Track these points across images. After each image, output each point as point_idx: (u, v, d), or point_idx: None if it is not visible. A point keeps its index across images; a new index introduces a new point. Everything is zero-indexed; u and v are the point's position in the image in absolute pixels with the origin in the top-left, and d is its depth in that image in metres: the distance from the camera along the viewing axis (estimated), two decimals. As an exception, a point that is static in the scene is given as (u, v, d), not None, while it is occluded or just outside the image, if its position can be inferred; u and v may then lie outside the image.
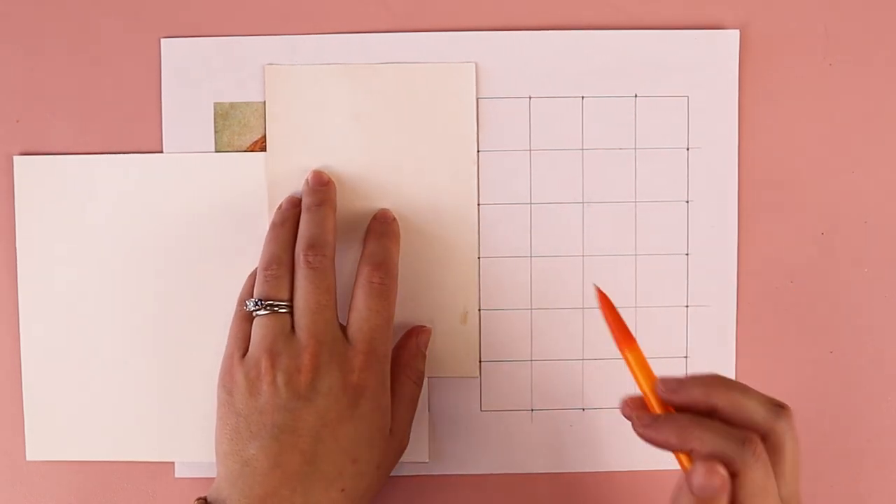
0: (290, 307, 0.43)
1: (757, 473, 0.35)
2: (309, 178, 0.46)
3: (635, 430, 0.38)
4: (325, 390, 0.41)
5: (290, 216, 0.46)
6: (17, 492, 0.48)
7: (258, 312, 0.43)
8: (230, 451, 0.41)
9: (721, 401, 0.37)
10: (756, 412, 0.37)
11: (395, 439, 0.44)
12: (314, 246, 0.43)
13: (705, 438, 0.36)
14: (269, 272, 0.43)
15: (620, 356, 0.48)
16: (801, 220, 0.49)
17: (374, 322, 0.43)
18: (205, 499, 0.41)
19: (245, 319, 0.44)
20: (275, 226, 0.45)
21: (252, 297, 0.44)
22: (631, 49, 0.48)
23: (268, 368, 0.41)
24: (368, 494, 0.43)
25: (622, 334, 0.40)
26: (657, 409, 0.39)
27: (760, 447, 0.36)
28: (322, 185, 0.46)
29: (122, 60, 0.48)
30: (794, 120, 0.49)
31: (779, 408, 0.37)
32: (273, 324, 0.42)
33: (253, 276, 0.45)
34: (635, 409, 0.39)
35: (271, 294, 0.43)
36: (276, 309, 0.42)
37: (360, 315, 0.43)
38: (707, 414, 0.37)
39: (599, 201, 0.48)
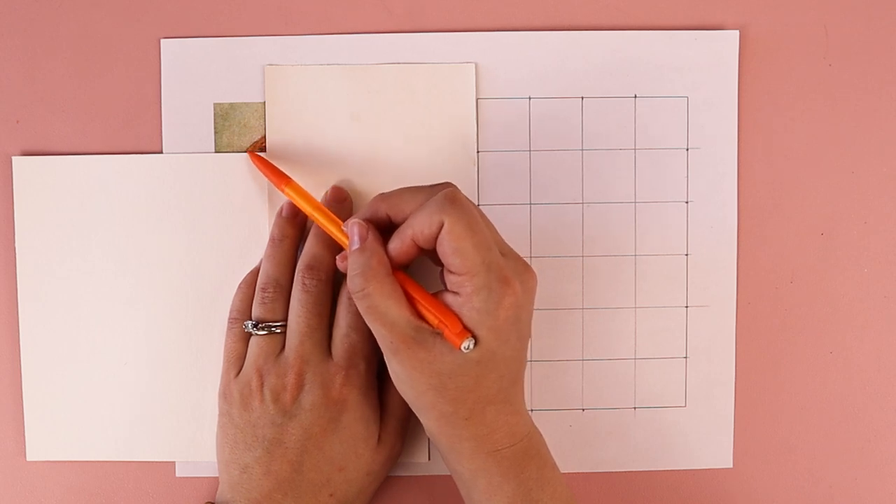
0: (286, 325, 0.45)
1: (454, 217, 0.39)
2: (328, 192, 0.47)
3: (356, 254, 0.41)
4: (308, 406, 0.43)
5: (289, 233, 0.46)
6: (17, 492, 0.48)
7: (256, 333, 0.45)
8: (231, 459, 0.44)
9: (388, 206, 0.42)
10: (420, 196, 0.41)
11: (385, 447, 0.45)
12: (312, 267, 0.45)
13: (403, 196, 0.41)
14: (266, 294, 0.45)
15: (618, 356, 0.48)
16: (801, 220, 0.49)
17: (353, 339, 0.44)
18: (212, 503, 0.44)
19: (240, 339, 0.46)
20: (273, 242, 0.46)
21: (242, 313, 0.46)
22: (631, 49, 0.48)
23: (258, 387, 0.44)
24: (361, 497, 0.45)
25: (278, 177, 0.45)
26: (329, 224, 0.44)
27: (449, 194, 0.40)
28: (338, 203, 0.46)
29: (122, 60, 0.48)
30: (794, 120, 0.49)
31: (439, 186, 0.41)
32: (266, 344, 0.44)
33: (242, 289, 0.47)
34: (343, 260, 0.43)
35: (268, 317, 0.45)
36: (272, 329, 0.45)
37: (340, 332, 0.45)
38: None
39: (599, 201, 0.48)
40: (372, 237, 0.41)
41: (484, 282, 0.39)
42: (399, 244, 0.40)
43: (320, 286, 0.45)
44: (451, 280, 0.39)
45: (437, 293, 0.41)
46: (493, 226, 0.41)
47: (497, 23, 0.48)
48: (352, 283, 0.40)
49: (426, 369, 0.40)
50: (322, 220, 0.44)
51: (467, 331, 0.39)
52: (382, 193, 0.42)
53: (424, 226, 0.39)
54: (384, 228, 0.42)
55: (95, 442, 0.48)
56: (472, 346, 0.39)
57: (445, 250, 0.39)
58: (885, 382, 0.50)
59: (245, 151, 0.48)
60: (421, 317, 0.40)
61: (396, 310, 0.40)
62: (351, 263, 0.41)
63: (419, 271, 0.45)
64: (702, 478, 0.49)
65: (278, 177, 0.46)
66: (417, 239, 0.40)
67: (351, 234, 0.41)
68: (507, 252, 0.41)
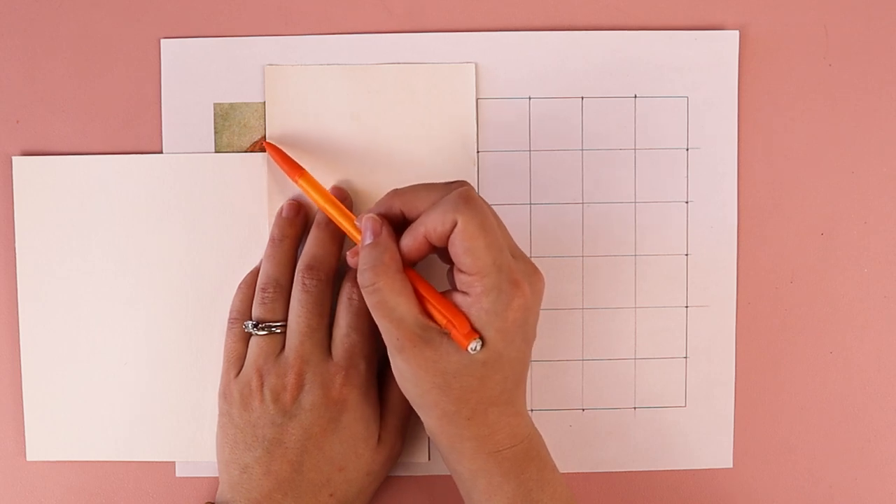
0: (286, 325, 0.45)
1: (468, 216, 0.39)
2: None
3: (368, 249, 0.41)
4: (308, 406, 0.43)
5: (289, 233, 0.46)
6: (17, 492, 0.48)
7: (256, 333, 0.45)
8: (231, 459, 0.44)
9: (402, 202, 0.41)
10: (434, 193, 0.41)
11: (385, 446, 0.45)
12: (312, 267, 0.45)
13: (417, 193, 0.41)
14: (266, 294, 0.45)
15: (618, 356, 0.48)
16: (801, 220, 0.49)
17: (353, 338, 0.44)
18: (212, 503, 0.44)
19: (240, 339, 0.46)
20: (273, 242, 0.46)
21: (242, 313, 0.46)
22: (631, 49, 0.48)
23: (258, 387, 0.44)
24: (361, 497, 0.45)
25: (292, 168, 0.45)
26: (342, 218, 0.44)
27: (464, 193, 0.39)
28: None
29: (122, 60, 0.48)
30: (794, 120, 0.49)
31: (454, 184, 0.41)
32: (266, 344, 0.44)
33: (242, 289, 0.47)
34: (354, 255, 0.43)
35: (268, 317, 0.45)
36: (272, 330, 0.45)
37: (340, 332, 0.45)
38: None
39: (599, 201, 0.48)
40: (385, 232, 0.41)
41: (494, 283, 0.39)
42: (411, 241, 0.40)
43: (320, 286, 0.45)
44: (460, 279, 0.39)
45: (446, 292, 0.41)
46: (504, 227, 0.41)
47: (497, 23, 0.48)
48: (362, 278, 0.40)
49: (431, 368, 0.39)
50: (335, 214, 0.44)
51: (475, 332, 0.39)
52: (396, 189, 0.42)
53: (437, 223, 0.39)
54: (397, 224, 0.42)
55: (95, 442, 0.48)
56: (479, 348, 0.39)
57: (457, 249, 0.39)
58: (885, 382, 0.50)
59: (245, 151, 0.48)
60: (429, 315, 0.40)
61: (405, 307, 0.40)
62: (363, 258, 0.41)
63: (425, 269, 0.45)
64: (702, 478, 0.49)
65: (292, 168, 0.45)
66: (430, 236, 0.40)
67: (364, 228, 0.41)
68: (516, 253, 0.41)
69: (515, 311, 0.39)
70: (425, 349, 0.39)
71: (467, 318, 0.39)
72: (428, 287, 0.40)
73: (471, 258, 0.38)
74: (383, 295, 0.40)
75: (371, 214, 0.41)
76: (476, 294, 0.39)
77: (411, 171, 0.48)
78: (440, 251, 0.41)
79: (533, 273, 0.41)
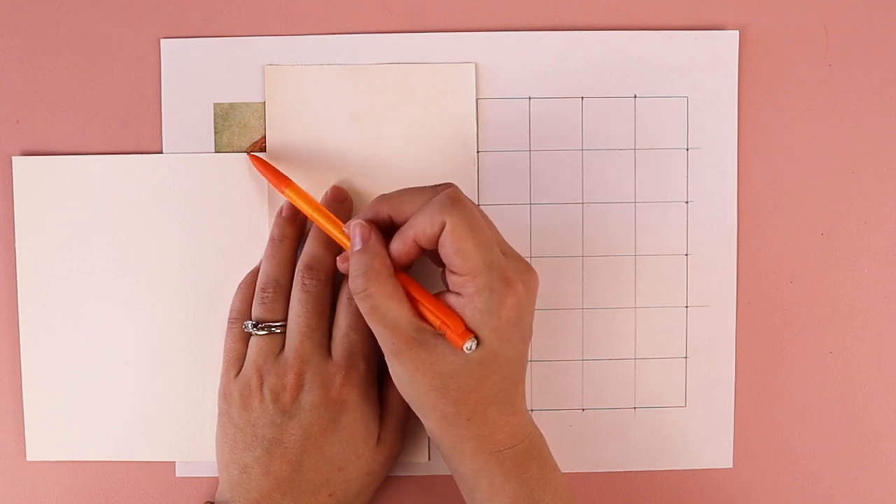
0: (286, 325, 0.45)
1: (456, 217, 0.39)
2: (328, 192, 0.47)
3: (358, 255, 0.41)
4: (307, 406, 0.43)
5: (289, 233, 0.46)
6: (17, 492, 0.48)
7: (256, 333, 0.45)
8: (230, 459, 0.44)
9: (389, 207, 0.41)
10: (421, 197, 0.41)
11: (385, 446, 0.45)
12: (312, 268, 0.45)
13: (404, 197, 0.41)
14: (266, 294, 0.45)
15: (618, 356, 0.48)
16: (801, 220, 0.49)
17: (352, 338, 0.44)
18: (211, 502, 0.44)
19: (240, 339, 0.46)
20: (273, 242, 0.46)
21: (242, 313, 0.46)
22: (631, 49, 0.48)
23: (257, 387, 0.44)
24: (361, 497, 0.45)
25: (278, 179, 0.45)
26: (330, 226, 0.43)
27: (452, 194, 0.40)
28: (338, 203, 0.46)
29: (122, 60, 0.48)
30: (794, 120, 0.49)
31: (441, 186, 0.41)
32: (266, 344, 0.44)
33: (241, 289, 0.47)
34: (344, 261, 0.43)
35: (268, 317, 0.45)
36: (272, 329, 0.45)
37: (339, 332, 0.45)
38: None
39: (599, 201, 0.48)
40: (374, 238, 0.41)
41: (486, 282, 0.39)
42: (401, 245, 0.40)
43: (320, 286, 0.45)
44: (452, 281, 0.40)
45: (439, 294, 0.41)
46: (494, 226, 0.41)
47: (497, 23, 0.48)
48: (354, 284, 0.40)
49: (428, 370, 0.40)
50: (322, 222, 0.44)
51: (469, 331, 0.39)
52: (384, 194, 0.42)
53: (426, 226, 0.39)
54: (385, 229, 0.42)
55: (95, 442, 0.48)
56: (474, 347, 0.39)
57: (447, 251, 0.39)
58: (885, 382, 0.50)
59: (245, 152, 0.48)
60: (423, 318, 0.40)
61: (398, 311, 0.40)
62: (353, 264, 0.41)
63: (420, 272, 0.45)
64: (702, 478, 0.49)
65: (278, 178, 0.45)
66: (419, 239, 0.40)
67: (353, 235, 0.41)
68: (508, 252, 0.41)
69: (509, 310, 0.39)
70: (421, 352, 0.39)
71: (461, 319, 0.39)
72: (420, 289, 0.41)
73: (461, 259, 0.38)
74: (375, 300, 0.40)
75: (359, 220, 0.42)
76: (469, 294, 0.39)
77: (411, 171, 0.48)
78: (431, 254, 0.41)
79: (526, 271, 0.41)
